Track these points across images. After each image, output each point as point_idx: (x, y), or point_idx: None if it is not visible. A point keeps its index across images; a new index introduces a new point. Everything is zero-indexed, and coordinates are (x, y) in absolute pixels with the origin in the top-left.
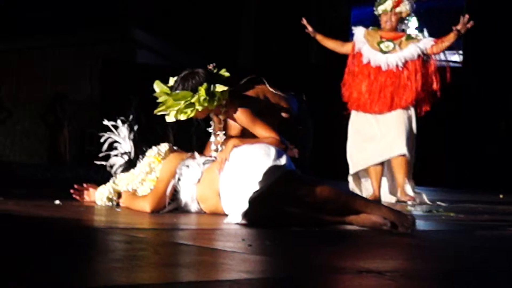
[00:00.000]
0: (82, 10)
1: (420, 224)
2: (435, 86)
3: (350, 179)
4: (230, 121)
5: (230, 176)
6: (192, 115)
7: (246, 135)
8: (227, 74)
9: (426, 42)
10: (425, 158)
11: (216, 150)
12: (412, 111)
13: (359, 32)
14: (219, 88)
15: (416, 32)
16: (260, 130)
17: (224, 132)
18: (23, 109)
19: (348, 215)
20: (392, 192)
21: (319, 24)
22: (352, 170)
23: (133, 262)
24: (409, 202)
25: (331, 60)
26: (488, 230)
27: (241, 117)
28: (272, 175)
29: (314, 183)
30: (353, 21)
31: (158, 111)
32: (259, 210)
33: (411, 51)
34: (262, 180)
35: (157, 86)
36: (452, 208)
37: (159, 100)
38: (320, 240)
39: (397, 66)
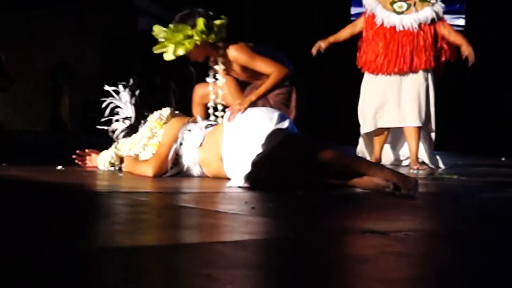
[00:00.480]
0: None
1: (423, 186)
2: (446, 52)
3: (360, 140)
4: (229, 64)
5: (232, 140)
6: (190, 48)
7: (247, 76)
8: (225, 19)
9: (439, 10)
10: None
11: (217, 97)
12: (430, 77)
13: None
14: (217, 21)
15: None
16: (262, 65)
17: (222, 76)
18: (25, 78)
19: (351, 178)
20: (395, 158)
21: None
22: (365, 130)
23: (136, 224)
24: (420, 171)
25: (333, 26)
26: (490, 192)
27: (239, 55)
28: (275, 138)
29: (316, 145)
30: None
31: (156, 49)
32: (262, 173)
33: (426, 14)
34: (265, 143)
35: (156, 28)
36: (455, 171)
37: (158, 37)
38: (323, 202)
39: (411, 27)
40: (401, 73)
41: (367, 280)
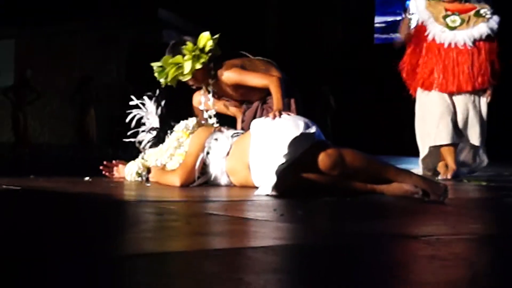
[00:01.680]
0: None
1: (453, 192)
2: (496, 67)
3: (421, 163)
4: (220, 85)
5: (259, 148)
6: (205, 60)
7: (239, 94)
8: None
9: (493, 26)
10: None
11: (208, 113)
12: (485, 94)
13: (420, 2)
14: (205, 39)
15: (483, 4)
16: (255, 80)
17: (212, 95)
18: (52, 92)
19: (379, 184)
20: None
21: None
22: (433, 143)
23: (165, 232)
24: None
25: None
26: None
27: (231, 75)
28: (302, 146)
29: (344, 151)
30: (377, 5)
31: (172, 73)
32: (290, 181)
33: (481, 31)
34: (292, 151)
35: (161, 61)
36: (484, 177)
37: (167, 64)
38: (351, 208)
39: (465, 44)
40: (458, 91)
41: (401, 283)
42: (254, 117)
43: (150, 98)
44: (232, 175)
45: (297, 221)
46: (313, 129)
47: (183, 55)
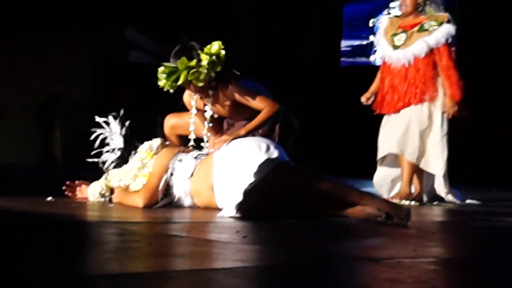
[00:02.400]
0: (74, 10)
1: (415, 216)
2: (453, 79)
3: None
4: (217, 99)
5: (223, 170)
6: (202, 79)
7: (231, 112)
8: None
9: (438, 38)
10: None
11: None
12: (433, 112)
13: (382, 23)
14: (215, 47)
15: (439, 14)
16: (254, 102)
17: (211, 107)
18: (16, 111)
19: (343, 207)
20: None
21: (311, 23)
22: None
23: (126, 253)
24: (412, 202)
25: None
26: (482, 221)
27: (232, 92)
28: (265, 167)
29: (308, 174)
30: (345, 19)
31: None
32: (254, 203)
33: (418, 47)
34: (256, 173)
35: (164, 66)
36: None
37: (169, 68)
38: (315, 231)
39: (405, 62)
40: (402, 109)
41: None
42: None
43: (114, 118)
44: (195, 196)
45: (259, 243)
46: (276, 151)
47: (199, 60)
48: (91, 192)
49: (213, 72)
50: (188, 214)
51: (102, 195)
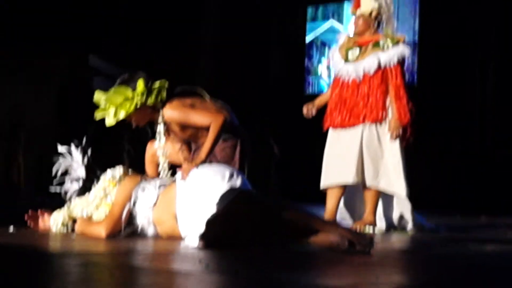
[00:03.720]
0: (38, 37)
1: (379, 243)
2: (401, 102)
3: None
4: (169, 125)
5: (186, 199)
6: (131, 110)
7: (189, 135)
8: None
9: (391, 57)
10: None
11: (163, 157)
12: (381, 132)
13: (340, 39)
14: (157, 83)
15: (396, 36)
16: (197, 118)
17: (163, 137)
18: None
19: (305, 235)
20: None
21: (275, 44)
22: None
23: (88, 284)
24: (376, 229)
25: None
26: (445, 247)
27: (174, 113)
28: (228, 196)
29: (270, 203)
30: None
31: (98, 114)
32: (217, 232)
33: (369, 62)
34: (218, 202)
35: (96, 94)
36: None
37: (99, 103)
38: (277, 259)
39: (356, 77)
40: (348, 127)
41: None
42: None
43: (76, 146)
44: (159, 226)
45: (222, 272)
46: (239, 180)
47: (134, 89)
48: (53, 222)
49: (147, 100)
50: (151, 244)
51: (65, 225)
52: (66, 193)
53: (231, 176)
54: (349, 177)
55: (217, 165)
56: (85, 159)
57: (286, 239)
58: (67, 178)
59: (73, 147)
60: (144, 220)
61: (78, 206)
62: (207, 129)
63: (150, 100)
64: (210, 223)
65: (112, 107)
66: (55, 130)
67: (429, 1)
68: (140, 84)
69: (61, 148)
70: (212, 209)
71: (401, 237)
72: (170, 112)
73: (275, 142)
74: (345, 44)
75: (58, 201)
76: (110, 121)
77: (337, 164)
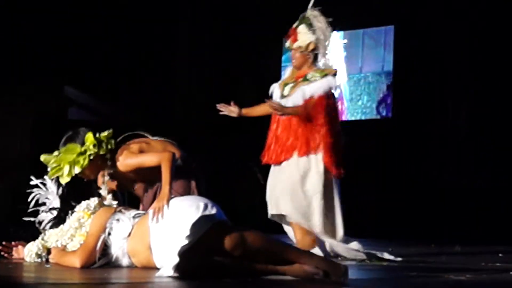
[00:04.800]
0: (13, 66)
1: (353, 273)
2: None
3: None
4: (121, 173)
5: (161, 230)
6: (85, 164)
7: (141, 177)
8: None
9: (315, 88)
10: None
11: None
12: (310, 162)
13: (286, 73)
14: (104, 133)
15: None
16: (149, 160)
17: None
18: None
19: (281, 265)
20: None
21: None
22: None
23: None
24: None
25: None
26: (421, 278)
27: (127, 162)
28: (202, 227)
29: (245, 233)
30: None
31: (52, 174)
32: (191, 262)
33: (296, 96)
34: (193, 232)
35: (43, 157)
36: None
37: (49, 164)
38: None
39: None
40: (280, 162)
41: None
42: (155, 197)
43: (51, 178)
44: (133, 256)
45: None
46: (213, 210)
47: (82, 144)
48: (27, 252)
49: (104, 150)
50: (126, 274)
51: (39, 256)
52: (40, 223)
53: (206, 206)
54: (272, 210)
55: (190, 197)
56: (60, 190)
57: (261, 269)
58: (41, 209)
59: (47, 178)
60: (118, 250)
61: (53, 237)
62: (159, 168)
63: (102, 150)
64: (185, 253)
65: (66, 165)
66: (29, 161)
67: (403, 35)
68: (90, 137)
69: (35, 180)
70: (186, 240)
71: (377, 267)
72: (124, 163)
73: (258, 169)
74: (287, 77)
75: (32, 233)
76: (65, 179)
77: (269, 196)
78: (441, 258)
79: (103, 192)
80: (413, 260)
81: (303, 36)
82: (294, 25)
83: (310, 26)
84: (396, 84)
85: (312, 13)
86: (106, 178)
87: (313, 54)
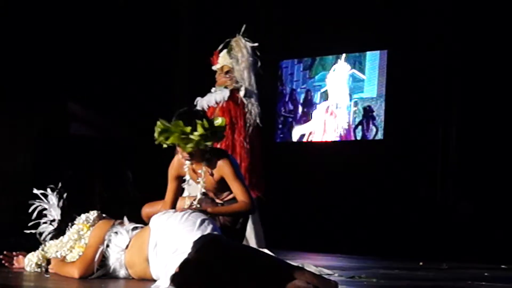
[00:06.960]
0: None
1: None
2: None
3: None
4: (207, 175)
5: (158, 242)
6: (190, 147)
7: (220, 190)
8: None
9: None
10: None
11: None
12: None
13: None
14: (218, 122)
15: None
16: (238, 189)
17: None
18: None
19: (274, 280)
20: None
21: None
22: None
23: None
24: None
25: None
26: None
27: (226, 167)
28: (199, 241)
29: (239, 248)
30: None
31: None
32: (188, 276)
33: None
34: (189, 247)
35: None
36: (373, 274)
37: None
38: None
39: None
40: None
41: None
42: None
43: (52, 190)
44: (130, 268)
45: None
46: (210, 227)
47: (194, 129)
48: (27, 262)
49: (204, 145)
50: (123, 286)
51: (39, 266)
52: (41, 234)
53: (202, 222)
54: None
55: (189, 212)
56: (61, 202)
57: (254, 283)
58: (42, 220)
59: (49, 190)
60: (116, 262)
61: (53, 248)
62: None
63: (212, 139)
64: (181, 266)
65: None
66: (31, 174)
67: (395, 60)
68: (200, 128)
69: (37, 191)
70: (183, 253)
71: (366, 283)
72: (226, 167)
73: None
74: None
75: (33, 243)
76: (189, 147)
77: None
78: (429, 275)
79: (201, 185)
80: (401, 276)
81: (221, 58)
82: (218, 49)
83: (230, 51)
84: (388, 107)
85: (236, 39)
86: (204, 169)
87: (229, 75)
